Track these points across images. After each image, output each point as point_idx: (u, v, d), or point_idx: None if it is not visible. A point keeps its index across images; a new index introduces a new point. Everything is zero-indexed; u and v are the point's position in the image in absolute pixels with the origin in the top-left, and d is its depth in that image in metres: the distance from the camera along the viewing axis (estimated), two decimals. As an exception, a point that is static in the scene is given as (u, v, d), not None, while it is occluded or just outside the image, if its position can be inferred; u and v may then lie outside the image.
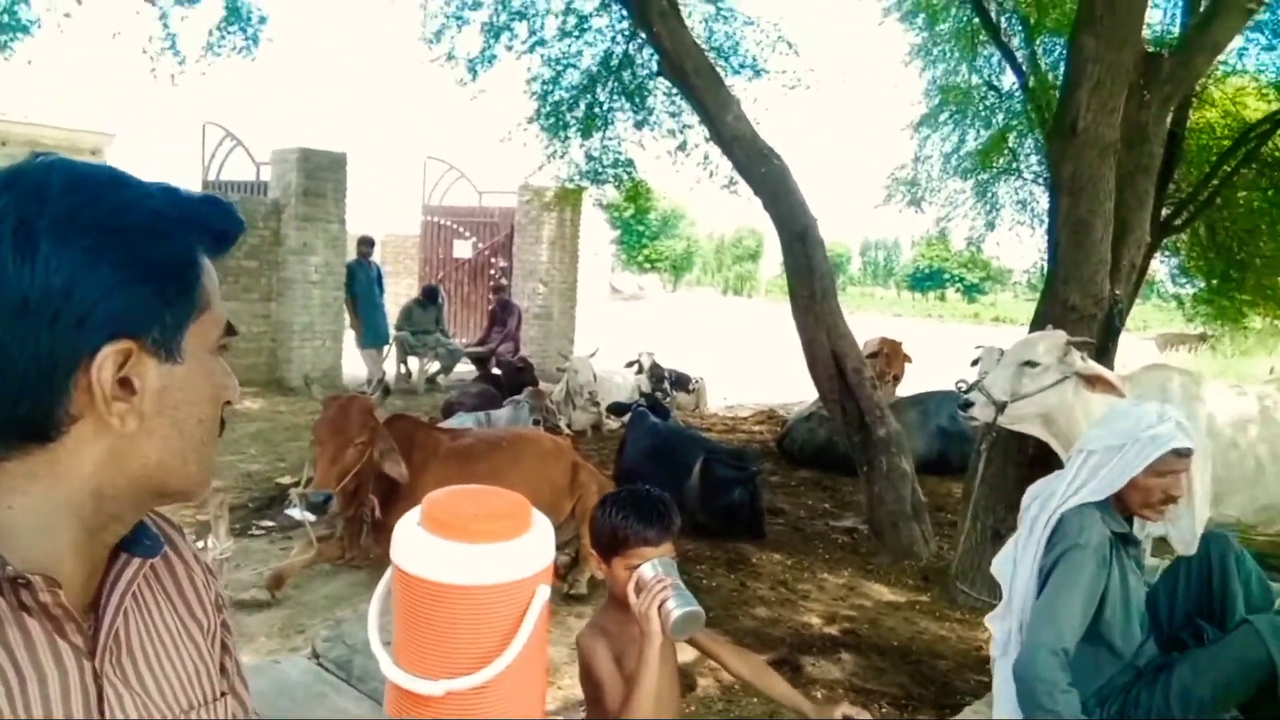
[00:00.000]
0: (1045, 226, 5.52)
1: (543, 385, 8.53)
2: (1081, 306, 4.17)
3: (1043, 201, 9.21)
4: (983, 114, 9.71)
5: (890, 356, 9.74)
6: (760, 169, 5.37)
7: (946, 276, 58.59)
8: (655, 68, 7.94)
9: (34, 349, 0.67)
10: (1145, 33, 5.22)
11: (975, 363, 6.72)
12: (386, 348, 10.40)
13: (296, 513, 4.66)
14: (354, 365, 10.35)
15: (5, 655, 0.66)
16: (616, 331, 15.81)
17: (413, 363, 10.69)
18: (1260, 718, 2.33)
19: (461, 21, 8.27)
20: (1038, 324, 4.22)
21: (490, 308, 11.81)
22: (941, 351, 11.71)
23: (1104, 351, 4.25)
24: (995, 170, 9.92)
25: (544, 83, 8.86)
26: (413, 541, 1.39)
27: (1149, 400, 3.29)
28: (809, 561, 5.04)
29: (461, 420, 6.48)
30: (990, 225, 10.55)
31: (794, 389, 10.55)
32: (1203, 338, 17.45)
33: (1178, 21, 7.17)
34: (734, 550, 5.05)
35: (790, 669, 3.50)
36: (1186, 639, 2.47)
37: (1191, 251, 9.32)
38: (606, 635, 1.81)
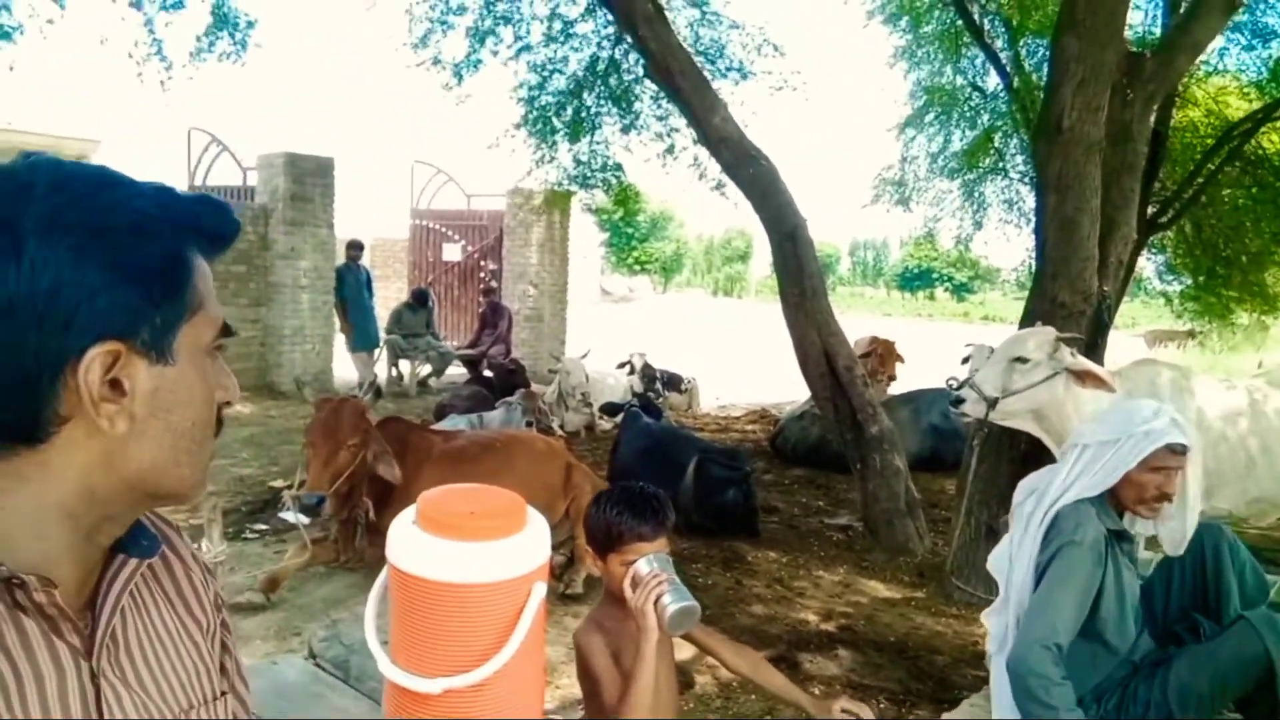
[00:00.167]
0: (1032, 225, 5.57)
1: (534, 387, 8.53)
2: (1070, 303, 4.20)
3: (1029, 200, 9.27)
4: (968, 114, 9.78)
5: (884, 356, 9.79)
6: (748, 170, 5.39)
7: (935, 276, 58.78)
8: (642, 71, 7.96)
9: (20, 351, 0.66)
10: (1127, 33, 5.26)
11: (966, 360, 6.76)
12: (377, 351, 10.38)
13: (290, 515, 4.64)
14: (345, 369, 10.33)
15: (2, 655, 0.66)
16: (607, 333, 15.82)
17: (404, 366, 10.68)
18: (1258, 713, 2.35)
19: (446, 26, 8.26)
20: (1027, 321, 4.24)
21: (481, 310, 11.80)
22: (932, 350, 11.75)
23: (1093, 347, 4.28)
24: (982, 170, 9.99)
25: (531, 88, 8.87)
26: (409, 540, 1.39)
27: (1139, 395, 3.33)
28: (804, 559, 5.05)
29: (454, 422, 6.48)
30: (978, 224, 10.62)
31: (786, 388, 10.58)
32: (1191, 334, 17.56)
33: (1159, 22, 7.24)
34: (729, 549, 5.07)
35: (788, 666, 3.51)
36: (1182, 632, 2.48)
37: (1178, 248, 9.39)
38: (603, 631, 1.81)
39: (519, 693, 1.42)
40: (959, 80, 9.64)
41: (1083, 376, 3.44)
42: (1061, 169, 4.22)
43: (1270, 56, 7.95)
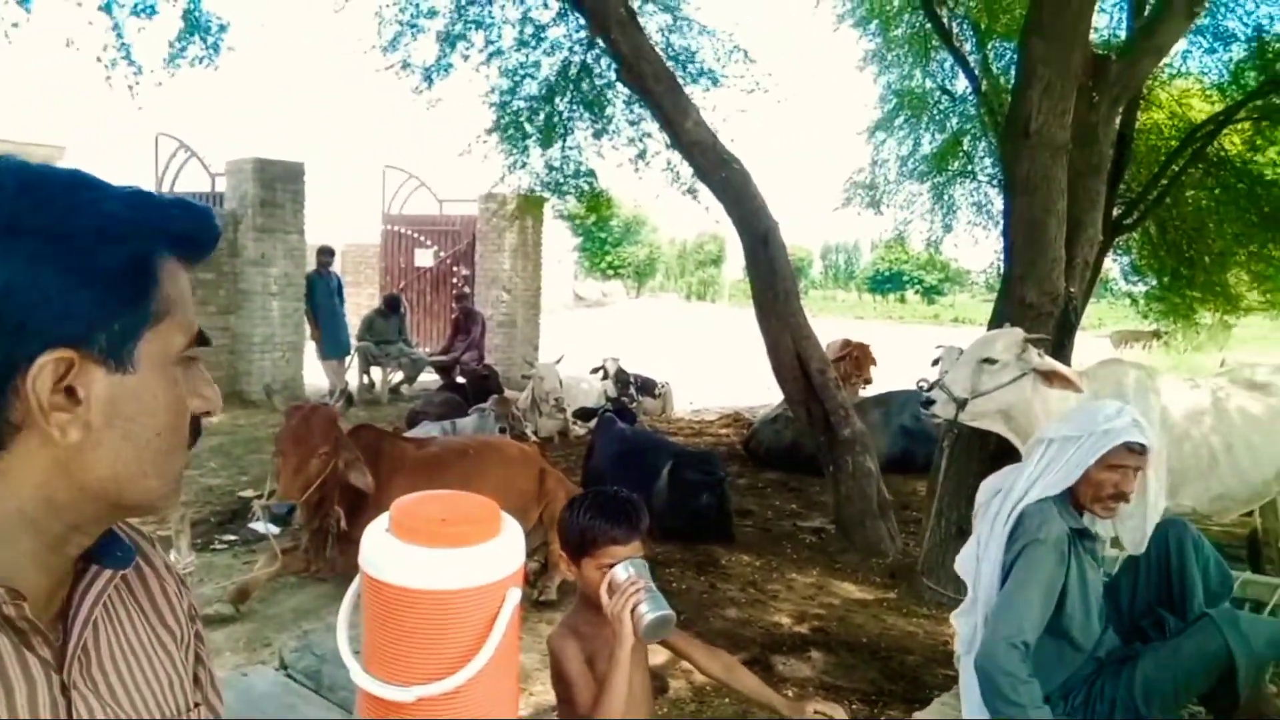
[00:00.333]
0: (1001, 227, 5.63)
1: (508, 393, 8.51)
2: (1038, 304, 4.25)
3: (998, 203, 9.38)
4: (937, 118, 9.87)
5: (860, 360, 9.87)
6: (721, 174, 5.41)
7: (906, 278, 59.23)
8: (614, 76, 7.97)
9: None
10: (1092, 36, 5.35)
11: (936, 362, 6.83)
12: (348, 358, 10.30)
13: (260, 525, 4.60)
14: (315, 377, 10.24)
15: None
16: (581, 338, 15.80)
17: (376, 373, 10.60)
18: (1220, 706, 2.39)
19: (416, 30, 8.23)
20: (995, 322, 4.29)
21: (453, 316, 11.75)
22: (903, 352, 11.84)
23: (1060, 348, 4.33)
24: (951, 173, 10.09)
25: (503, 92, 8.85)
26: (382, 547, 1.38)
27: (1105, 395, 3.37)
28: (778, 562, 5.07)
29: (427, 429, 6.45)
30: (947, 227, 10.72)
31: (759, 392, 10.63)
32: (1156, 334, 17.83)
33: (1124, 25, 7.36)
34: (703, 552, 5.07)
35: (761, 668, 3.53)
36: (1147, 628, 2.52)
37: (1143, 250, 9.54)
38: (578, 636, 1.81)
39: (493, 700, 1.42)
40: (928, 84, 9.74)
41: (1050, 377, 3.49)
42: (1029, 171, 4.28)
43: (1231, 60, 8.11)
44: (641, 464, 5.53)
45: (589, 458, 6.26)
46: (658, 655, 2.22)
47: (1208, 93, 8.54)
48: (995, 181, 9.36)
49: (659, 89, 5.42)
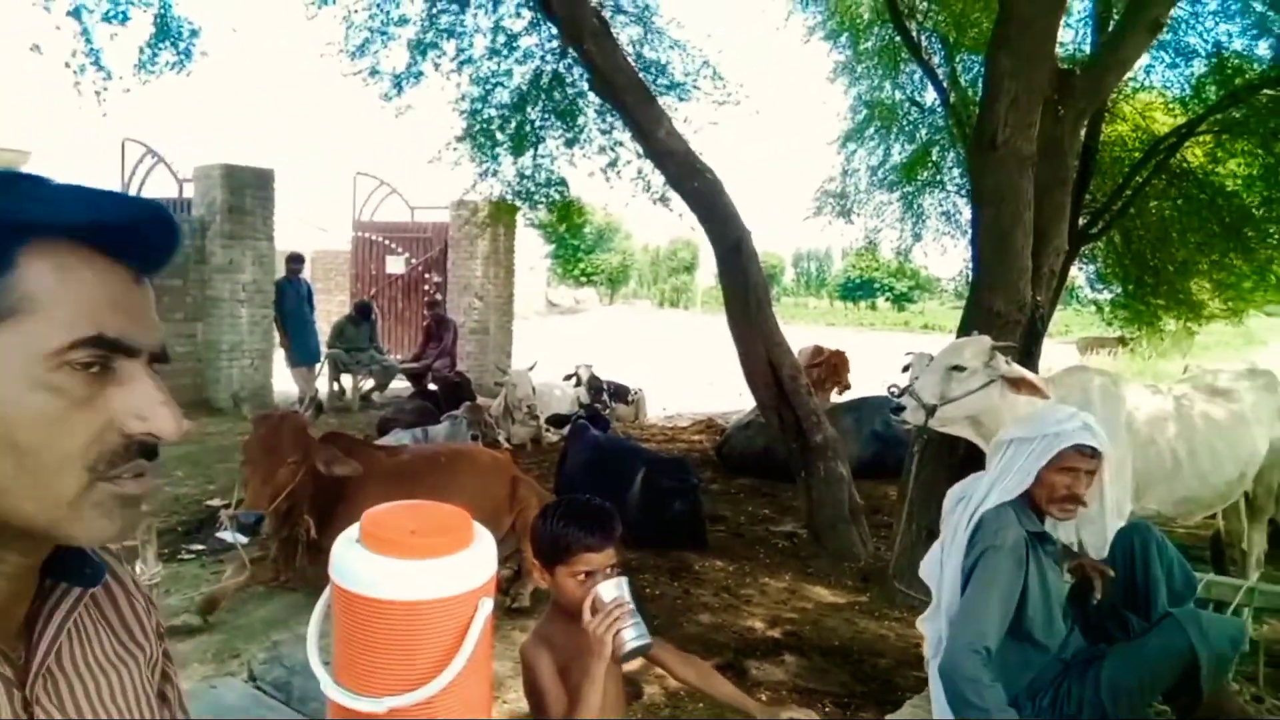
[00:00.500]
0: (969, 236, 5.70)
1: (480, 400, 8.47)
2: (1005, 312, 4.31)
3: (966, 213, 9.49)
4: (907, 129, 9.98)
5: (838, 366, 9.97)
6: (693, 183, 5.44)
7: (877, 286, 59.75)
8: (586, 86, 7.97)
9: None
10: (1058, 51, 5.44)
11: (906, 369, 6.88)
12: (318, 365, 10.21)
13: (228, 535, 4.54)
14: (284, 384, 10.14)
15: None
16: (554, 345, 15.79)
17: (346, 380, 10.52)
18: (1182, 703, 2.44)
19: (386, 37, 8.19)
20: (964, 330, 4.35)
21: (425, 323, 11.69)
22: (874, 359, 11.94)
23: (1028, 355, 4.40)
24: (920, 183, 10.19)
25: (474, 100, 8.82)
26: (352, 558, 1.38)
27: (1071, 401, 3.43)
28: (751, 567, 5.09)
29: (398, 437, 6.41)
30: (917, 236, 10.82)
31: (732, 398, 10.67)
32: (1122, 341, 18.07)
33: (1088, 40, 7.48)
34: (677, 559, 5.08)
35: (735, 673, 3.54)
36: (1112, 629, 2.57)
37: (1108, 258, 9.69)
38: (550, 646, 1.81)
39: (466, 709, 1.41)
40: (898, 95, 9.84)
41: (1017, 384, 3.53)
42: (996, 183, 4.34)
43: (1192, 74, 8.27)
44: (615, 471, 5.53)
45: (562, 465, 6.25)
46: (631, 661, 2.22)
47: (1170, 106, 8.70)
48: (964, 192, 9.47)
49: (631, 99, 5.44)
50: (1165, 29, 6.22)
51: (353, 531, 1.43)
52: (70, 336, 0.66)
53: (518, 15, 8.41)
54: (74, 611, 0.77)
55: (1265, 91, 7.17)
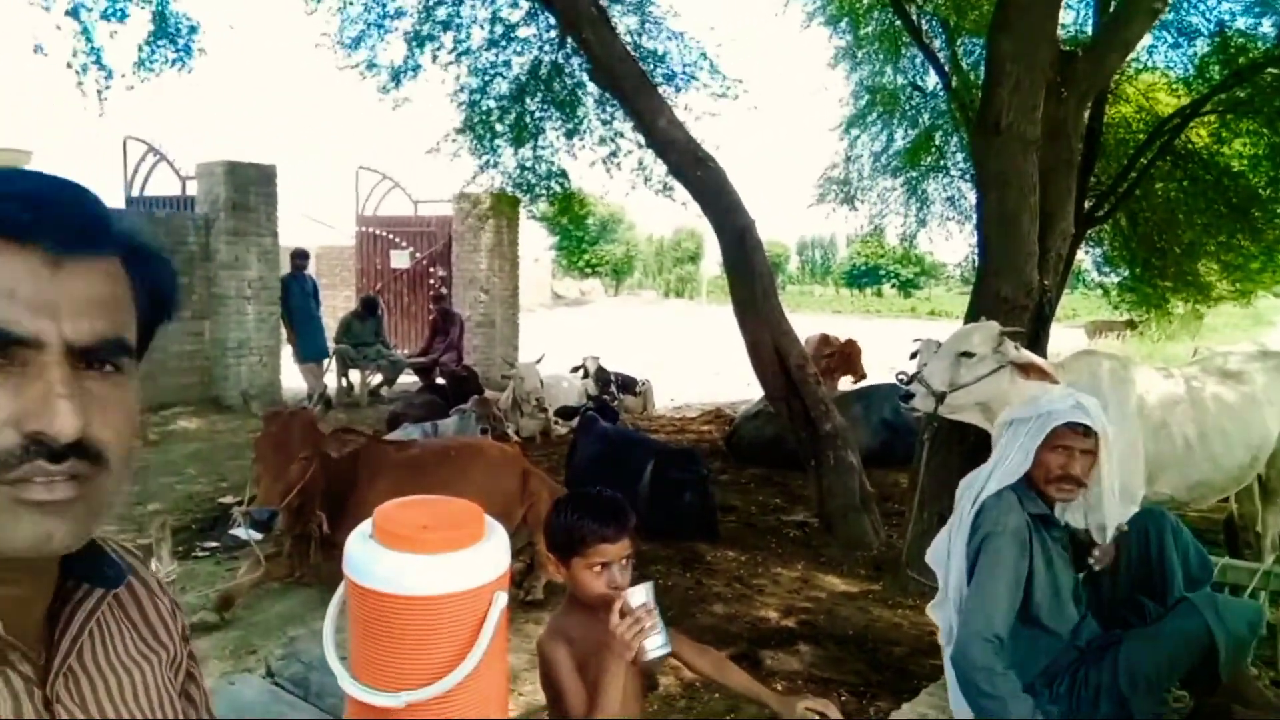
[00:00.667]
0: (974, 221, 5.68)
1: (488, 393, 8.48)
2: (1013, 297, 4.30)
3: (971, 197, 9.45)
4: (909, 114, 9.93)
5: (851, 356, 9.99)
6: (696, 173, 5.42)
7: (882, 273, 59.54)
8: (585, 76, 7.96)
9: None
10: (1059, 32, 5.40)
11: (914, 356, 6.88)
12: (326, 361, 10.23)
13: (242, 532, 4.56)
14: (293, 381, 10.17)
15: None
16: (560, 337, 15.78)
17: (354, 376, 10.53)
18: (1200, 687, 2.43)
19: (383, 30, 8.17)
20: (971, 316, 4.33)
21: (431, 317, 11.69)
22: (881, 346, 11.92)
23: (1036, 340, 4.38)
24: (924, 168, 10.15)
25: (472, 92, 8.81)
26: (366, 554, 1.38)
27: (1080, 386, 3.42)
28: (763, 557, 5.09)
29: (408, 431, 6.42)
30: (921, 222, 10.79)
31: (739, 388, 10.67)
32: (1130, 324, 18.02)
33: (1090, 21, 7.43)
34: (688, 549, 5.09)
35: (749, 663, 3.54)
36: (1128, 615, 2.56)
37: (1114, 241, 9.65)
38: (568, 640, 1.81)
39: (483, 703, 1.42)
40: (899, 80, 9.80)
41: (1026, 369, 3.52)
42: (1000, 167, 4.32)
43: (1195, 54, 8.22)
44: (624, 462, 5.54)
45: (571, 457, 6.26)
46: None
47: (1174, 87, 8.65)
48: (968, 176, 9.43)
49: (631, 88, 5.42)
50: (1167, 8, 6.18)
51: (366, 527, 1.44)
52: None
53: (515, 5, 8.40)
54: (96, 612, 0.77)
55: (1270, 70, 7.12)
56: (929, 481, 4.37)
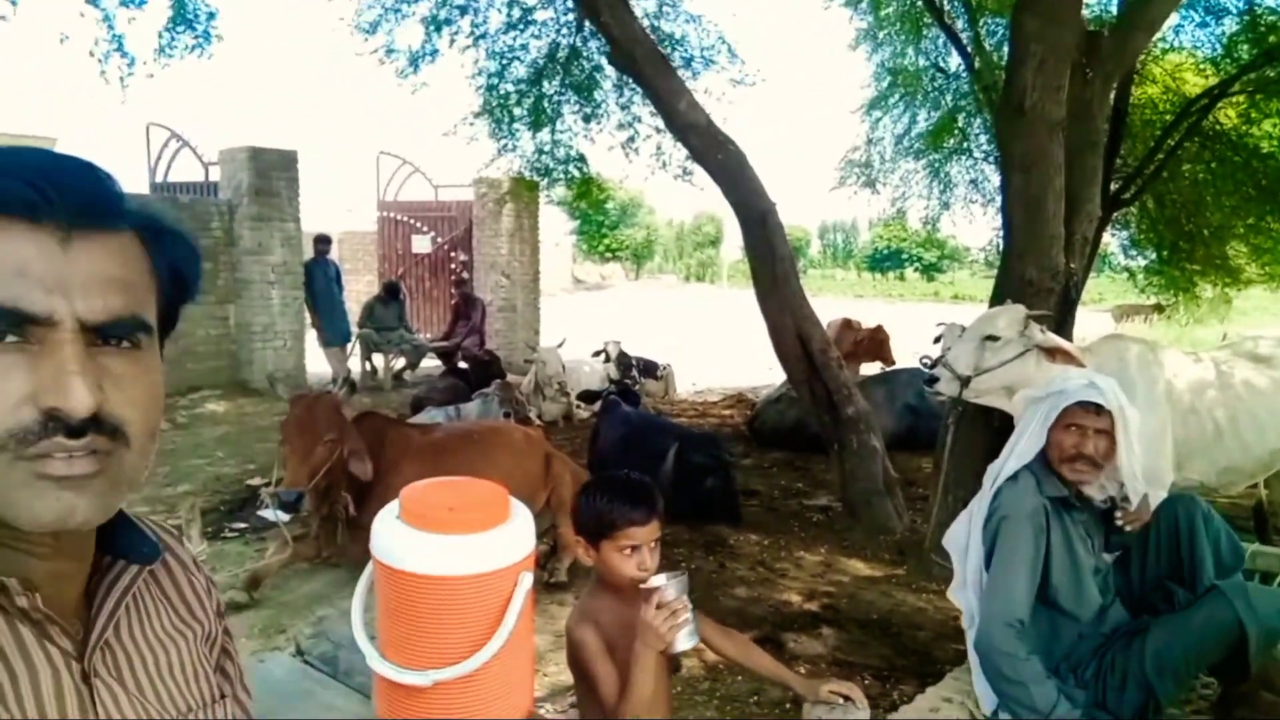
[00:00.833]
0: (998, 204, 5.62)
1: (510, 377, 8.52)
2: (1038, 281, 4.26)
3: (995, 179, 9.35)
4: (931, 95, 9.82)
5: (881, 342, 9.98)
6: (717, 156, 5.39)
7: (905, 256, 59.11)
8: (604, 60, 7.92)
9: None
10: (1085, 12, 5.32)
11: (938, 340, 6.83)
12: (350, 345, 10.30)
13: (269, 513, 4.62)
14: (318, 365, 10.25)
15: None
16: (581, 321, 15.80)
17: (378, 360, 10.60)
18: (1230, 676, 2.41)
19: (400, 15, 8.16)
20: (996, 299, 4.30)
21: (453, 302, 11.74)
22: (904, 330, 11.84)
23: (1062, 324, 4.34)
24: (947, 150, 10.05)
25: (490, 76, 8.79)
26: (393, 535, 1.40)
27: (1107, 370, 3.38)
28: (785, 540, 5.09)
29: (431, 415, 6.46)
30: (945, 205, 10.69)
31: (761, 372, 10.64)
32: (1158, 308, 17.79)
33: (1115, 1, 7.31)
34: (711, 533, 5.10)
35: (773, 646, 3.55)
36: (1157, 602, 2.53)
37: (1141, 224, 9.52)
38: (597, 624, 1.82)
39: (509, 682, 1.44)
40: (921, 61, 9.69)
41: (1053, 353, 3.49)
42: (1025, 148, 4.27)
43: (1224, 33, 8.07)
44: (647, 447, 5.54)
45: (594, 441, 6.27)
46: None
47: (1201, 66, 8.49)
48: (991, 158, 9.33)
49: (650, 71, 5.39)
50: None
51: (392, 508, 1.45)
52: None
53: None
54: (132, 587, 0.78)
55: (1301, 49, 6.98)
56: (953, 466, 4.34)
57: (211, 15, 6.95)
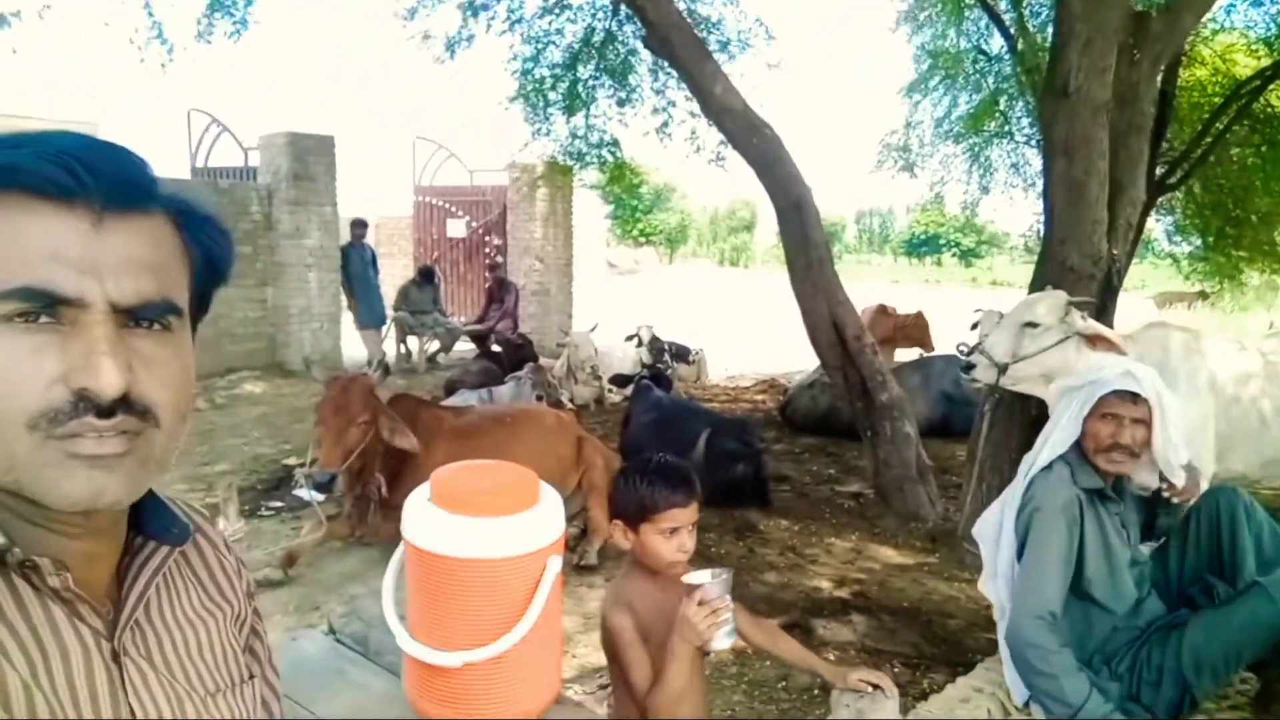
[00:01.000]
0: (1040, 189, 5.51)
1: (543, 361, 8.55)
2: (1080, 267, 4.18)
3: (1036, 163, 9.18)
4: (973, 78, 9.66)
5: (921, 328, 9.92)
6: (752, 140, 5.35)
7: (943, 242, 58.42)
8: (639, 44, 7.86)
9: None
10: (1132, -9, 5.19)
11: (975, 326, 6.74)
12: (385, 328, 10.40)
13: (304, 493, 4.69)
14: (354, 347, 10.37)
15: (28, 630, 0.67)
16: (614, 306, 15.80)
17: (412, 343, 10.70)
18: (1271, 674, 2.36)
19: (438, 0, 8.18)
20: (1036, 285, 4.22)
21: (487, 286, 11.80)
22: (941, 316, 11.71)
23: (1103, 311, 4.26)
24: (987, 134, 9.89)
25: (525, 60, 8.78)
26: (424, 517, 1.41)
27: (1149, 359, 3.32)
28: (816, 527, 5.08)
29: (464, 398, 6.50)
30: (984, 189, 10.53)
31: (795, 358, 10.58)
32: (1202, 295, 17.44)
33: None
34: (741, 518, 5.09)
35: (802, 632, 3.55)
36: (1196, 595, 2.49)
37: (1187, 209, 9.31)
38: (632, 609, 1.83)
39: (537, 664, 1.44)
40: (963, 43, 9.52)
41: (1094, 340, 3.43)
42: (1068, 132, 4.18)
43: (1277, 13, 7.84)
44: (678, 431, 5.54)
45: (626, 425, 6.28)
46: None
47: (1253, 48, 8.27)
48: (1033, 142, 9.16)
49: (687, 55, 5.35)
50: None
51: (424, 491, 1.46)
52: None
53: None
54: (162, 568, 0.79)
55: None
56: (988, 453, 4.30)
57: (249, 1, 7.02)
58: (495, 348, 9.76)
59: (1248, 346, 3.90)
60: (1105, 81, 4.14)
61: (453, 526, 1.37)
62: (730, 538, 4.79)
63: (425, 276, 10.95)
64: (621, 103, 9.12)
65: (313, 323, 9.87)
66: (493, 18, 8.35)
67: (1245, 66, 8.00)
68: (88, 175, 0.65)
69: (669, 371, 8.71)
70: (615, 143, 9.74)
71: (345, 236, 10.31)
